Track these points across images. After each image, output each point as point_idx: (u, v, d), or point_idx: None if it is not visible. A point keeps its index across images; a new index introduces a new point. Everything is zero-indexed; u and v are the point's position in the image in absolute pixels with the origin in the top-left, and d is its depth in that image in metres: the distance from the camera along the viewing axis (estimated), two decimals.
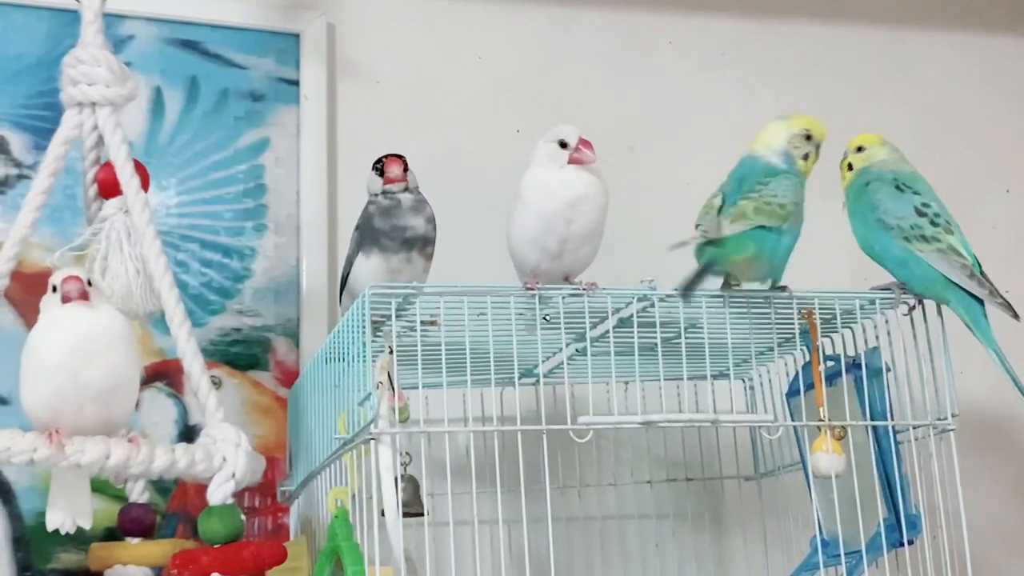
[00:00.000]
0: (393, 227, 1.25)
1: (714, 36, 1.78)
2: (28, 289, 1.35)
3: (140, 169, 1.20)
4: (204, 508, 1.10)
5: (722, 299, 1.20)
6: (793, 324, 1.23)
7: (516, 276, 1.23)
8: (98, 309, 1.09)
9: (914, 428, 1.23)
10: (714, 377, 1.37)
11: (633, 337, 1.18)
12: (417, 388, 1.16)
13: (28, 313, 1.38)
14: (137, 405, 1.24)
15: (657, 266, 1.24)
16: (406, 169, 1.29)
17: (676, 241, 1.16)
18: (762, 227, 1.16)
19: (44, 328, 1.09)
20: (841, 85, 1.79)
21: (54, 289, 1.09)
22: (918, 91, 1.84)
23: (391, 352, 1.09)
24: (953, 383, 1.22)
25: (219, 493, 1.10)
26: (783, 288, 1.21)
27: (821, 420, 1.19)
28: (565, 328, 1.18)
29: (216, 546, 1.08)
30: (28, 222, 1.18)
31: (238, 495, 1.13)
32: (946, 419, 1.22)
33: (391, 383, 1.07)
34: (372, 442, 1.06)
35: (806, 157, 1.23)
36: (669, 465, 1.50)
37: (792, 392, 1.33)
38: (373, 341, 1.08)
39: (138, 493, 1.25)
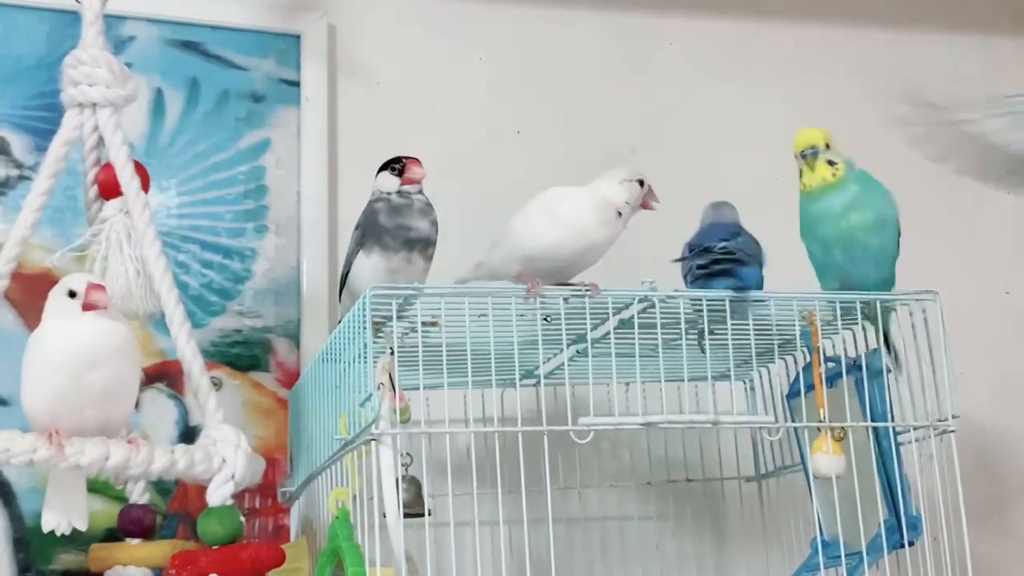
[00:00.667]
0: (398, 226, 1.25)
1: (715, 38, 1.78)
2: (28, 290, 1.35)
3: (140, 170, 1.20)
4: (204, 509, 1.10)
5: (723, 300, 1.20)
6: (794, 326, 1.23)
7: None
8: (110, 318, 1.09)
9: (915, 429, 1.24)
10: (715, 378, 1.37)
11: (634, 338, 1.18)
12: (418, 389, 1.16)
13: (28, 314, 1.38)
14: (137, 406, 1.25)
15: (658, 267, 1.25)
16: None
17: None
18: None
19: (49, 331, 1.09)
20: (841, 86, 1.79)
21: (72, 294, 1.09)
22: (918, 93, 1.83)
23: (392, 353, 1.09)
24: (954, 384, 1.22)
25: (218, 494, 1.10)
26: None
27: (822, 421, 1.19)
28: (566, 329, 1.18)
29: (215, 547, 1.08)
30: (29, 223, 1.17)
31: (238, 496, 1.13)
32: (947, 420, 1.22)
33: (392, 384, 1.06)
34: (373, 443, 1.05)
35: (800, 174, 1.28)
36: (670, 466, 1.50)
37: (793, 393, 1.33)
38: (374, 342, 1.08)
39: (138, 494, 1.25)
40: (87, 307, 1.07)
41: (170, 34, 1.52)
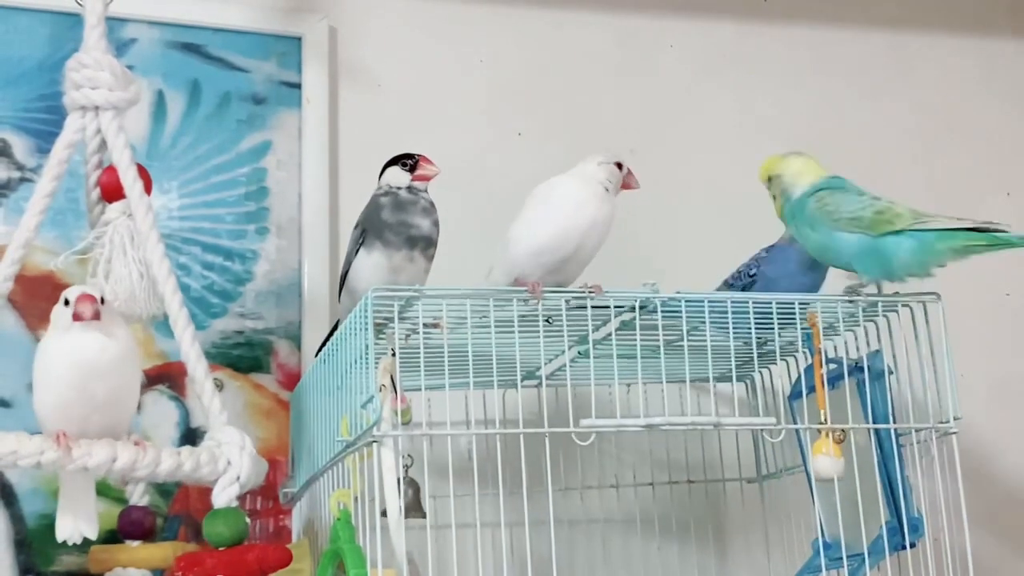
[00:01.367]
0: (401, 223, 1.25)
1: (715, 39, 1.78)
2: (31, 293, 1.36)
3: (142, 173, 1.21)
4: (207, 511, 1.10)
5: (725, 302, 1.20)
6: (796, 327, 1.23)
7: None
8: (106, 328, 1.09)
9: (916, 431, 1.24)
10: (716, 379, 1.37)
11: (635, 340, 1.18)
12: (419, 390, 1.16)
13: (31, 316, 1.38)
14: (139, 408, 1.25)
15: (659, 268, 1.25)
16: None
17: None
18: None
19: (54, 344, 1.09)
20: (842, 89, 1.80)
21: (66, 303, 1.09)
22: (918, 94, 1.84)
23: (394, 354, 1.09)
24: (955, 386, 1.22)
25: (224, 496, 1.11)
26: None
27: (823, 423, 1.19)
28: (568, 330, 1.18)
29: (220, 549, 1.08)
30: (31, 225, 1.18)
31: (240, 498, 1.14)
32: (948, 422, 1.22)
33: (394, 385, 1.07)
34: (374, 444, 1.06)
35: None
36: (671, 467, 1.50)
37: (794, 395, 1.33)
38: (375, 343, 1.08)
39: (138, 496, 1.25)
40: (74, 318, 1.08)
41: (171, 36, 1.53)
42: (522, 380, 1.28)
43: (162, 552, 1.20)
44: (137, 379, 1.14)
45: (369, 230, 1.26)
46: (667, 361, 1.19)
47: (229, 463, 1.12)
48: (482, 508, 1.12)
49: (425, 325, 1.13)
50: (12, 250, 1.17)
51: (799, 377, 1.33)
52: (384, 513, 1.05)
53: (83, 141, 1.20)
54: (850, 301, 1.22)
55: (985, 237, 1.18)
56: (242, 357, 1.47)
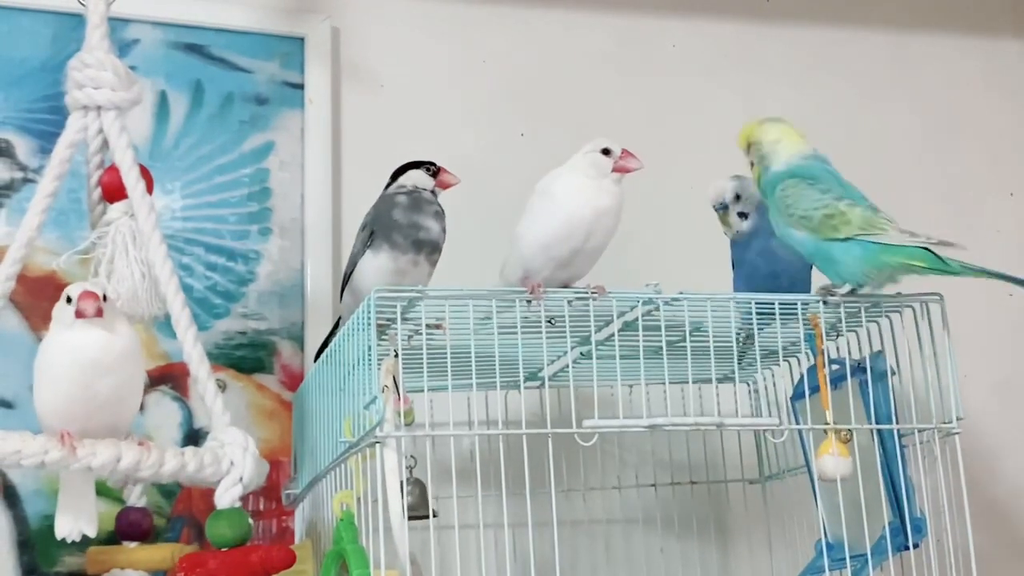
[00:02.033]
0: (412, 223, 1.25)
1: (718, 39, 1.78)
2: (33, 293, 1.36)
3: (144, 173, 1.21)
4: (210, 512, 1.11)
5: (727, 303, 1.20)
6: (798, 328, 1.23)
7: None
8: (109, 325, 1.09)
9: (919, 432, 1.24)
10: (719, 380, 1.37)
11: (638, 340, 1.18)
12: (422, 391, 1.16)
13: (33, 316, 1.38)
14: (141, 408, 1.25)
15: (662, 269, 1.25)
16: None
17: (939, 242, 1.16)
18: None
19: (57, 341, 1.09)
20: (845, 89, 1.80)
21: (68, 300, 1.09)
22: (921, 95, 1.84)
23: (396, 355, 1.09)
24: (957, 386, 1.22)
25: (227, 497, 1.11)
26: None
27: (826, 424, 1.19)
28: (570, 331, 1.18)
29: (224, 550, 1.08)
30: (34, 225, 1.18)
31: (243, 499, 1.14)
32: (951, 423, 1.22)
33: (396, 386, 1.07)
34: (377, 445, 1.06)
35: None
36: (674, 468, 1.50)
37: (797, 395, 1.33)
38: (378, 344, 1.08)
39: (136, 497, 1.25)
40: (77, 315, 1.07)
41: (174, 37, 1.53)
42: (525, 381, 1.28)
43: (161, 553, 1.20)
44: (140, 378, 1.14)
45: (378, 231, 1.26)
46: (669, 362, 1.19)
47: (232, 464, 1.12)
48: (485, 509, 1.12)
49: (428, 326, 1.13)
50: (14, 250, 1.17)
51: (801, 378, 1.33)
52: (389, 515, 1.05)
53: (85, 141, 1.20)
54: (824, 302, 1.22)
55: (925, 258, 1.16)
56: (245, 358, 1.47)
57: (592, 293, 1.16)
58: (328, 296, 1.50)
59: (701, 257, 1.48)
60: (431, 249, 1.26)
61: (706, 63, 1.76)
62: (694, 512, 1.49)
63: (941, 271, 1.16)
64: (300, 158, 1.55)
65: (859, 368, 1.24)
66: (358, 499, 1.10)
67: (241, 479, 1.11)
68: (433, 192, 1.30)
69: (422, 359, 1.11)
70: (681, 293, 1.18)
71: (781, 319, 1.20)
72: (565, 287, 1.21)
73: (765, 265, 1.32)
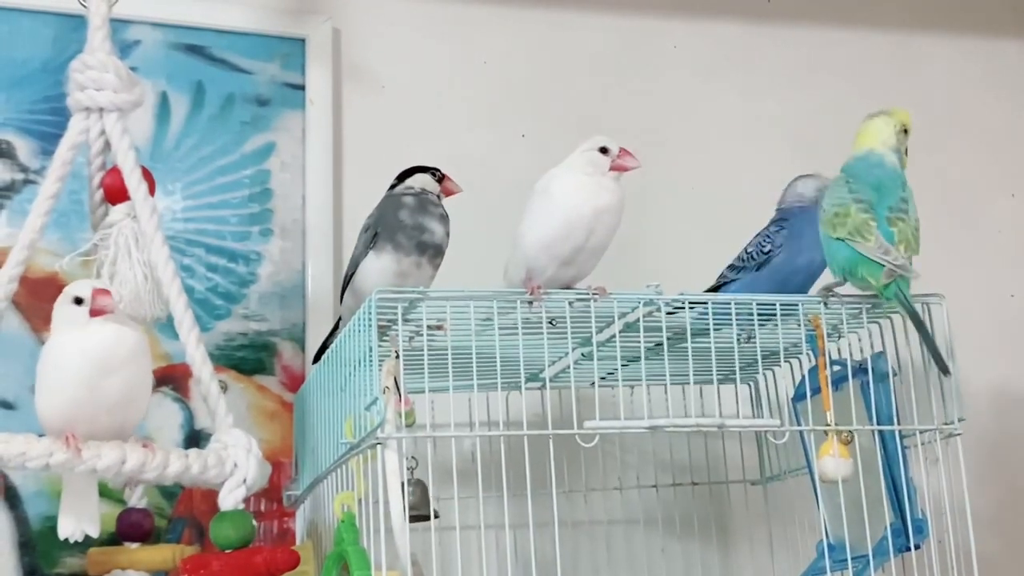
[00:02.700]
0: (417, 225, 1.25)
1: (719, 40, 1.78)
2: (34, 294, 1.36)
3: (146, 175, 1.21)
4: (211, 513, 1.11)
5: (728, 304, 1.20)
6: (800, 329, 1.23)
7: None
8: (119, 323, 1.09)
9: (921, 432, 1.23)
10: (720, 381, 1.37)
11: (639, 342, 1.17)
12: (423, 392, 1.16)
13: (34, 318, 1.38)
14: None
15: (663, 270, 1.24)
16: None
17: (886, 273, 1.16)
18: None
19: (66, 339, 1.09)
20: (846, 89, 1.79)
21: (77, 301, 1.09)
22: (923, 95, 1.83)
23: (397, 356, 1.09)
24: (959, 387, 1.22)
25: (231, 498, 1.11)
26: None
27: (828, 425, 1.18)
28: (571, 332, 1.18)
29: (227, 551, 1.08)
30: (36, 227, 1.18)
31: (244, 500, 1.14)
32: (952, 424, 1.21)
33: (397, 387, 1.07)
34: (378, 447, 1.06)
35: (905, 152, 1.26)
36: (675, 469, 1.49)
37: (798, 396, 1.33)
38: (379, 345, 1.08)
39: (137, 498, 1.25)
40: (95, 312, 1.07)
41: (175, 38, 1.53)
42: (526, 382, 1.28)
43: (161, 554, 1.20)
44: (149, 380, 1.14)
45: (381, 232, 1.26)
46: (670, 363, 1.19)
47: (236, 465, 1.12)
48: (486, 510, 1.12)
49: (429, 327, 1.13)
50: (16, 252, 1.17)
51: (803, 379, 1.33)
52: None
53: (87, 143, 1.20)
54: (825, 303, 1.22)
55: (876, 277, 1.17)
56: (246, 359, 1.47)
57: (593, 294, 1.16)
58: (329, 297, 1.50)
59: (703, 257, 1.47)
60: (434, 252, 1.26)
61: (707, 63, 1.76)
62: (695, 513, 1.49)
63: (880, 293, 1.18)
64: (301, 159, 1.55)
65: (861, 369, 1.24)
66: (359, 500, 1.10)
67: (245, 481, 1.12)
68: (438, 196, 1.30)
69: (423, 360, 1.11)
70: (682, 294, 1.18)
71: (781, 318, 1.20)
72: (569, 287, 1.21)
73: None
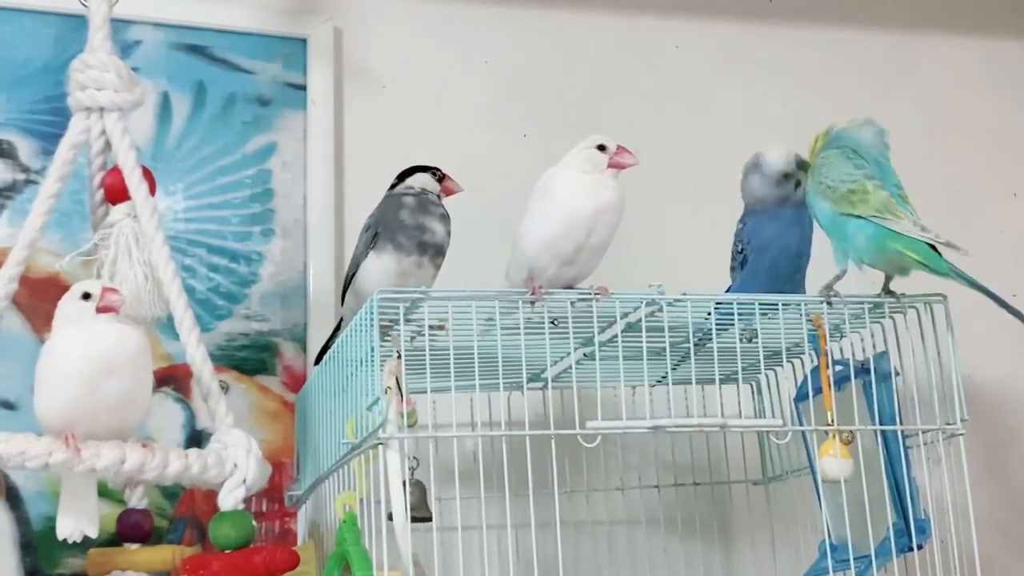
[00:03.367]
0: (418, 225, 1.25)
1: (720, 40, 1.78)
2: (35, 294, 1.36)
3: (146, 174, 1.21)
4: (213, 513, 1.10)
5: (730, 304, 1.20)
6: (801, 329, 1.23)
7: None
8: (121, 323, 1.09)
9: (923, 433, 1.23)
10: (722, 381, 1.37)
11: (641, 342, 1.17)
12: (425, 392, 1.16)
13: (35, 318, 1.38)
14: None
15: (665, 270, 1.24)
16: None
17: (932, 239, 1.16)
18: None
19: (67, 338, 1.09)
20: (847, 89, 1.79)
21: (86, 296, 1.09)
22: (924, 95, 1.83)
23: (399, 356, 1.09)
24: (961, 387, 1.22)
25: (231, 499, 1.11)
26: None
27: (830, 425, 1.18)
28: (573, 332, 1.18)
29: (227, 552, 1.08)
30: (36, 227, 1.18)
31: (245, 500, 1.14)
32: (955, 423, 1.21)
33: (399, 388, 1.06)
34: (380, 447, 1.05)
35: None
36: (677, 470, 1.49)
37: (801, 396, 1.33)
38: (381, 345, 1.08)
39: (137, 498, 1.25)
40: (102, 309, 1.07)
41: (176, 38, 1.53)
42: (528, 382, 1.28)
43: (162, 555, 1.20)
44: (150, 380, 1.14)
45: (382, 232, 1.26)
46: (672, 363, 1.19)
47: (236, 466, 1.12)
48: (488, 510, 1.12)
49: (430, 327, 1.13)
50: (17, 251, 1.17)
51: (805, 379, 1.33)
52: (391, 516, 1.05)
53: (88, 143, 1.20)
54: (829, 303, 1.21)
55: (922, 253, 1.16)
56: (247, 359, 1.47)
57: (595, 294, 1.16)
58: (330, 297, 1.50)
59: (705, 257, 1.47)
60: (435, 252, 1.26)
61: (708, 63, 1.76)
62: (697, 513, 1.49)
63: (931, 270, 1.16)
64: (302, 159, 1.55)
65: (863, 369, 1.23)
66: (361, 500, 1.10)
67: (245, 481, 1.12)
68: (439, 196, 1.30)
69: (425, 360, 1.11)
70: (684, 294, 1.18)
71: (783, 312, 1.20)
72: (571, 286, 1.21)
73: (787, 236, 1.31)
